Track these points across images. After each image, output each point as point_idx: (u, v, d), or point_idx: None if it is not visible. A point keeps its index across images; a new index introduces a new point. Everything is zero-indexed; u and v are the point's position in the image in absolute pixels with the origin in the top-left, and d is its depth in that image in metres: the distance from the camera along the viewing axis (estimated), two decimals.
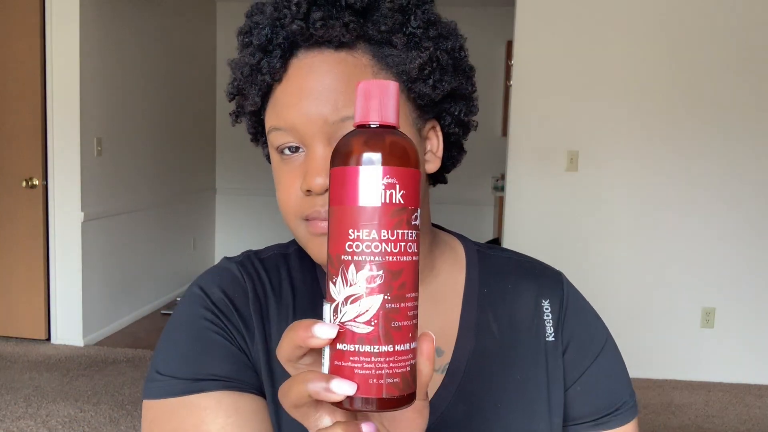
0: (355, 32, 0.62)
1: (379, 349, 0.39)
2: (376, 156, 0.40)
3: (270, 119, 0.65)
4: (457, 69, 0.68)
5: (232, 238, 6.07)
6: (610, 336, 0.76)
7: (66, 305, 4.10)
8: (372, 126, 0.42)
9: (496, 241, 4.57)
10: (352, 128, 0.43)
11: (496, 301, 0.73)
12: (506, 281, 0.74)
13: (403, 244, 0.40)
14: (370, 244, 0.40)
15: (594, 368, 0.73)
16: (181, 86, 5.21)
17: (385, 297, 0.40)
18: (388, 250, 0.40)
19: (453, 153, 0.73)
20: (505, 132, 4.30)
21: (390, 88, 0.42)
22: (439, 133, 0.69)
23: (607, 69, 3.69)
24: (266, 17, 0.63)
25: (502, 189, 4.29)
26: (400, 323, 0.40)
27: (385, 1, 0.63)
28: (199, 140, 5.60)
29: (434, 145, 0.69)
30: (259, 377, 0.66)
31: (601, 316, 0.77)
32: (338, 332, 0.40)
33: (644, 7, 3.63)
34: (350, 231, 0.40)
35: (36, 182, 4.01)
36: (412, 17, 0.64)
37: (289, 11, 0.62)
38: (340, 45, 0.63)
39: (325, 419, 0.43)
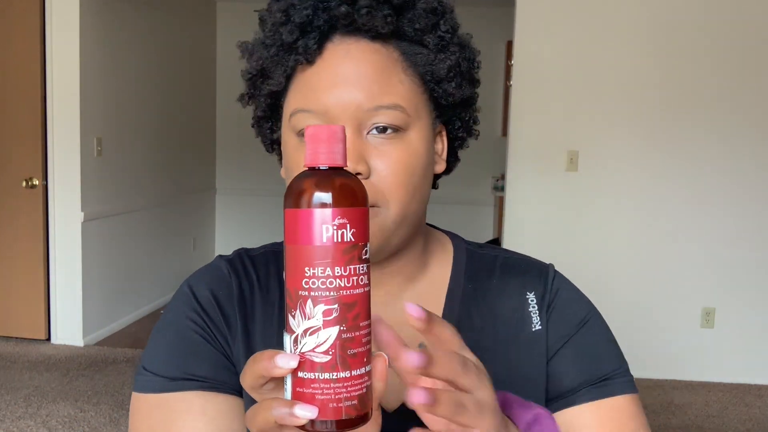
0: (392, 26, 0.64)
1: (337, 375, 0.42)
2: (327, 198, 0.43)
3: (296, 101, 0.65)
4: (472, 78, 0.70)
5: (232, 238, 6.07)
6: (597, 313, 0.75)
7: (66, 305, 4.10)
8: (322, 168, 0.44)
9: (496, 241, 4.57)
10: (304, 169, 0.45)
11: (480, 297, 0.73)
12: (492, 278, 0.74)
13: (355, 278, 0.43)
14: (325, 280, 0.42)
15: (578, 337, 0.71)
16: (181, 86, 5.21)
17: (341, 328, 0.43)
18: (342, 285, 0.43)
19: (450, 159, 0.74)
20: (505, 132, 4.31)
21: (338, 131, 0.44)
22: (445, 138, 0.72)
23: (607, 69, 3.69)
24: None
25: (502, 189, 4.29)
26: (355, 350, 0.43)
27: (420, 1, 0.65)
28: (199, 140, 5.60)
29: (440, 148, 0.71)
30: (238, 375, 0.68)
31: (601, 315, 0.77)
32: (299, 361, 0.43)
33: (644, 7, 3.64)
34: (306, 269, 0.43)
35: (36, 182, 4.01)
36: (442, 21, 0.66)
37: None
38: (375, 36, 0.64)
39: None
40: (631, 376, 0.73)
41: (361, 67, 0.63)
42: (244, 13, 6.11)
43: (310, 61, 0.64)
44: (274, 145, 0.75)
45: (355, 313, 0.43)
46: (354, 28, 0.63)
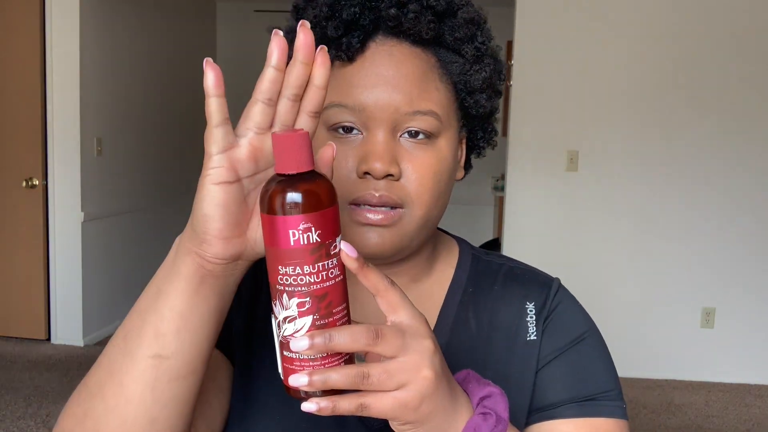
0: (433, 32, 0.65)
1: (315, 355, 0.48)
2: (292, 205, 0.46)
3: (331, 95, 0.64)
4: (498, 90, 0.72)
5: None
6: (597, 332, 0.73)
7: (66, 305, 4.10)
8: (289, 174, 0.47)
9: (496, 241, 4.57)
10: (274, 174, 0.49)
11: (479, 301, 0.73)
12: (494, 284, 0.74)
13: (324, 273, 0.47)
14: (296, 278, 0.47)
15: (571, 353, 0.70)
16: (181, 86, 5.21)
17: (315, 316, 0.47)
18: (312, 281, 0.47)
19: (465, 166, 0.76)
20: (505, 132, 4.31)
21: (304, 137, 0.47)
22: (464, 146, 0.73)
23: (607, 69, 3.69)
24: None
25: (502, 189, 4.29)
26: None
27: (461, 11, 0.66)
28: (199, 140, 5.55)
29: (460, 156, 0.73)
30: (232, 335, 0.70)
31: (600, 316, 0.76)
32: (283, 342, 0.49)
33: (644, 7, 3.63)
34: (279, 267, 0.47)
35: (36, 182, 4.01)
36: (480, 32, 0.68)
37: None
38: (416, 40, 0.65)
39: None
40: (623, 402, 0.70)
41: (402, 69, 0.64)
42: (244, 13, 6.11)
43: (350, 59, 0.64)
44: None
45: (327, 302, 0.48)
46: (398, 31, 0.64)
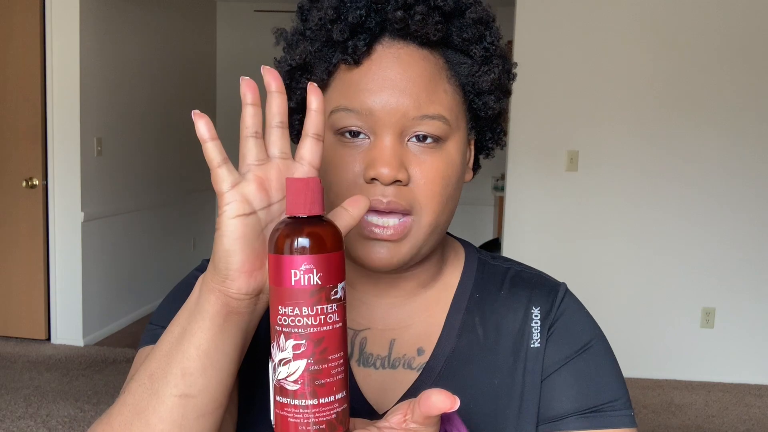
0: (441, 33, 0.63)
1: (305, 402, 0.48)
2: (297, 246, 0.48)
3: (338, 99, 0.64)
4: (507, 90, 0.70)
5: None
6: (604, 340, 0.72)
7: (66, 305, 4.10)
8: (299, 217, 0.49)
9: (496, 241, 4.57)
10: (284, 217, 0.51)
11: (485, 306, 0.72)
12: (501, 289, 0.73)
13: (322, 317, 0.48)
14: (294, 319, 0.47)
15: (577, 362, 0.69)
16: (181, 86, 5.21)
17: (308, 361, 0.48)
18: (309, 323, 0.47)
19: (473, 167, 0.75)
20: (505, 132, 4.32)
21: (315, 183, 0.49)
22: (473, 147, 0.72)
23: (607, 69, 3.69)
24: None
25: (502, 189, 4.29)
26: (323, 381, 0.48)
27: (469, 11, 0.65)
28: (199, 140, 5.59)
29: (468, 158, 0.72)
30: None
31: (600, 316, 0.75)
32: (276, 386, 0.49)
33: (644, 7, 3.63)
34: (279, 307, 0.48)
35: (36, 182, 4.01)
36: (488, 32, 0.66)
37: None
38: (423, 42, 0.64)
39: None
40: (631, 410, 0.69)
41: (409, 72, 0.63)
42: (244, 12, 6.11)
43: (357, 62, 0.63)
44: (299, 135, 0.75)
45: (323, 347, 0.48)
46: (405, 33, 0.63)
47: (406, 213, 0.63)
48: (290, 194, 0.49)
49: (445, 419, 0.54)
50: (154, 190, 4.89)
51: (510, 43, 3.79)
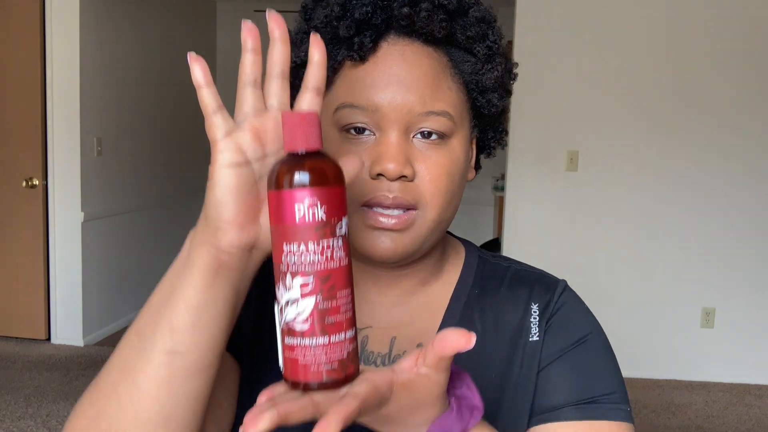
0: (446, 31, 0.64)
1: (316, 342, 0.46)
2: (299, 181, 0.46)
3: (343, 96, 0.64)
4: (508, 89, 0.71)
5: None
6: (601, 334, 0.72)
7: (66, 305, 4.10)
8: (299, 153, 0.47)
9: (496, 241, 4.57)
10: (284, 154, 0.48)
11: (484, 302, 0.72)
12: (501, 286, 0.73)
13: (329, 252, 0.47)
14: (300, 255, 0.46)
15: (573, 354, 0.69)
16: (181, 86, 5.21)
17: (317, 299, 0.46)
18: (316, 260, 0.46)
19: (475, 166, 0.76)
20: (506, 131, 4.32)
21: (313, 117, 0.48)
22: (474, 146, 0.72)
23: (607, 69, 3.69)
24: None
25: (502, 189, 4.29)
26: (333, 318, 0.47)
27: (472, 9, 0.66)
28: (199, 140, 5.60)
29: (471, 157, 0.72)
30: (241, 337, 0.69)
31: (600, 315, 0.75)
32: (284, 329, 0.47)
33: (644, 7, 3.63)
34: (284, 245, 0.47)
35: (36, 182, 4.01)
36: (491, 31, 0.67)
37: None
38: (428, 40, 0.64)
39: None
40: (628, 405, 0.68)
41: (414, 69, 0.63)
42: (244, 13, 6.11)
43: (363, 59, 0.64)
44: None
45: (331, 284, 0.46)
46: (410, 30, 0.64)
47: (411, 208, 0.64)
48: (288, 129, 0.48)
49: (455, 375, 0.54)
50: (154, 190, 4.89)
51: (510, 43, 3.79)
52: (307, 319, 0.46)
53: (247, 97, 0.52)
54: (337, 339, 0.47)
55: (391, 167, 0.62)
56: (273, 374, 0.68)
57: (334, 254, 0.47)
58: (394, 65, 0.63)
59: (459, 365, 0.70)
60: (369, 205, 0.63)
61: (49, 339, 4.14)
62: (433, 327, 0.71)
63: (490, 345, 0.70)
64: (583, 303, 0.74)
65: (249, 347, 0.70)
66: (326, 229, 0.46)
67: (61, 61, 3.92)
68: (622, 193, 3.75)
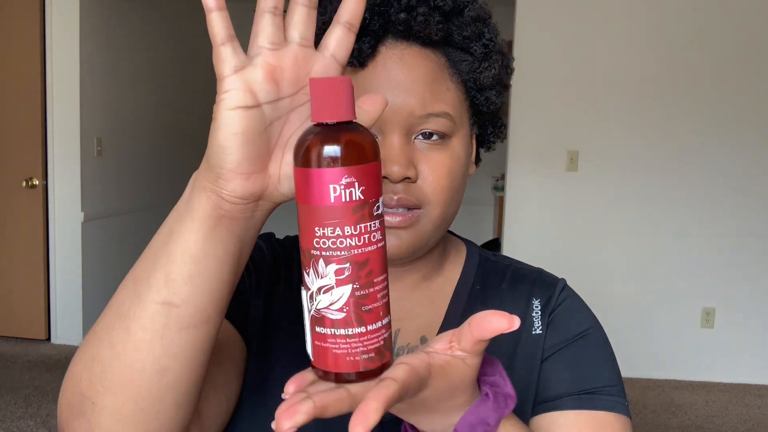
0: (442, 33, 0.65)
1: (352, 331, 0.43)
2: (334, 156, 0.41)
3: None
4: (506, 85, 0.72)
5: None
6: (601, 330, 0.73)
7: (66, 305, 4.10)
8: (329, 124, 0.42)
9: (496, 241, 4.57)
10: (311, 124, 0.44)
11: (487, 297, 0.74)
12: (501, 283, 0.75)
13: (366, 236, 0.43)
14: (335, 240, 0.42)
15: (573, 347, 0.70)
16: (181, 86, 5.21)
17: (354, 286, 0.43)
18: (353, 244, 0.42)
19: (475, 161, 0.77)
20: (505, 125, 4.33)
21: (346, 83, 0.42)
22: (474, 142, 0.73)
23: (607, 69, 3.69)
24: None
25: (502, 189, 4.29)
26: (370, 306, 0.43)
27: (467, 8, 0.67)
28: (199, 139, 5.59)
29: (471, 153, 0.73)
30: (248, 324, 0.69)
31: (600, 315, 0.77)
32: (316, 317, 0.44)
33: (644, 7, 3.63)
34: (316, 228, 0.42)
35: (36, 182, 4.01)
36: (486, 29, 0.68)
37: (397, 1, 0.64)
38: (425, 42, 0.65)
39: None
40: (625, 399, 0.69)
41: (413, 72, 0.64)
42: (244, 12, 6.10)
43: (362, 64, 0.64)
44: None
45: (368, 270, 0.43)
46: (408, 34, 0.64)
47: (415, 208, 0.65)
48: (317, 97, 0.42)
49: (487, 362, 0.52)
50: (154, 190, 4.89)
51: (510, 43, 3.79)
52: (342, 308, 0.43)
53: (264, 26, 0.45)
54: (374, 327, 0.44)
55: (395, 170, 0.62)
56: (281, 365, 0.68)
57: (372, 237, 0.43)
58: (394, 69, 0.64)
59: None
60: None
61: (49, 339, 4.14)
62: (436, 320, 0.73)
63: (492, 339, 0.71)
64: (582, 300, 0.76)
65: (257, 335, 0.70)
66: (364, 210, 0.42)
67: (61, 61, 3.92)
68: (622, 193, 3.75)
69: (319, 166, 0.42)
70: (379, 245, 0.44)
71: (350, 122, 0.43)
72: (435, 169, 0.65)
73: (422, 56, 0.65)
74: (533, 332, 0.71)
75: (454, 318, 0.72)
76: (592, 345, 0.71)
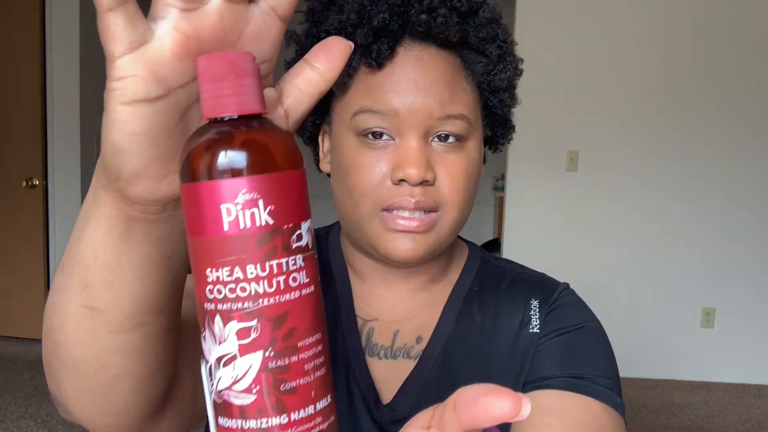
0: (459, 34, 0.65)
1: (268, 423, 0.30)
2: (227, 165, 0.29)
3: (361, 101, 0.64)
4: (515, 86, 0.72)
5: None
6: (600, 327, 0.72)
7: None
8: (224, 119, 0.30)
9: (496, 241, 4.57)
10: (204, 122, 0.32)
11: (484, 297, 0.73)
12: (500, 285, 0.75)
13: (282, 278, 0.30)
14: (234, 286, 0.30)
15: (569, 336, 0.69)
16: None
17: (267, 354, 0.30)
18: (260, 291, 0.30)
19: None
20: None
21: (244, 59, 0.30)
22: (482, 143, 0.73)
23: (608, 69, 3.69)
24: (383, 1, 0.64)
25: (502, 189, 4.29)
26: (294, 383, 0.30)
27: (482, 10, 0.66)
28: None
29: (483, 155, 0.73)
30: None
31: (600, 315, 0.76)
32: (218, 403, 0.31)
33: (644, 8, 3.64)
34: (208, 271, 0.30)
35: (36, 182, 4.01)
36: (500, 31, 0.68)
37: (417, 2, 0.64)
38: (442, 44, 0.65)
39: None
40: (619, 396, 0.66)
41: (432, 73, 0.64)
42: None
43: (380, 65, 0.64)
44: (311, 137, 0.75)
45: (288, 329, 0.30)
46: (426, 35, 0.64)
47: (432, 210, 0.64)
48: (206, 83, 0.30)
49: None
50: None
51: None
52: (250, 388, 0.30)
53: None
54: (301, 415, 0.30)
55: (413, 173, 0.62)
56: None
57: (292, 280, 0.30)
58: (412, 70, 0.63)
59: (460, 359, 0.69)
60: (389, 209, 0.64)
61: None
62: (433, 320, 0.73)
63: (489, 336, 0.71)
64: (583, 302, 0.75)
65: None
66: (276, 240, 0.30)
67: (61, 61, 3.92)
68: (622, 193, 3.75)
69: (210, 178, 0.29)
70: (305, 291, 0.31)
71: (256, 116, 0.31)
72: (452, 173, 0.64)
73: (439, 57, 0.65)
74: (530, 330, 0.71)
75: (449, 318, 0.72)
76: (588, 337, 0.70)
